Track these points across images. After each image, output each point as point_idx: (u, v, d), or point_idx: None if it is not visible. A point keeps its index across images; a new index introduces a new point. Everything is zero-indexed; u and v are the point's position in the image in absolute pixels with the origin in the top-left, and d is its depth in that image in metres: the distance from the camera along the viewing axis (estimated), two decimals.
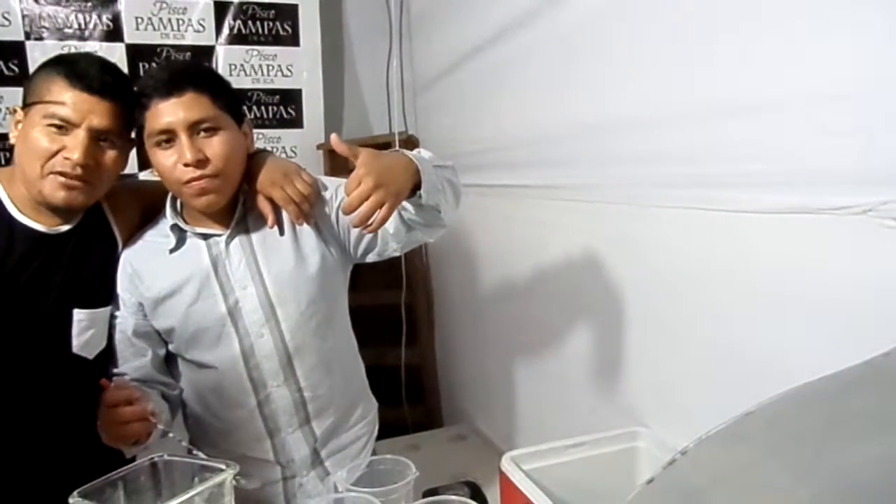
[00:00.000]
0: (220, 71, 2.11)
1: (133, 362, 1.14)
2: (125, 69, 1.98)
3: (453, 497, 0.92)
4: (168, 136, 1.03)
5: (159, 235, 1.15)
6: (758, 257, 0.94)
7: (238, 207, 1.15)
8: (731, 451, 0.39)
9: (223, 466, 0.76)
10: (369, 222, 0.93)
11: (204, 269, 1.13)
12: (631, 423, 1.22)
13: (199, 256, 1.13)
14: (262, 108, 2.20)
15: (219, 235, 1.14)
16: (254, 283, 1.14)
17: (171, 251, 1.12)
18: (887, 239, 0.73)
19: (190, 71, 1.12)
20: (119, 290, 1.14)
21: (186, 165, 1.03)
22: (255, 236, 1.15)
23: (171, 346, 1.18)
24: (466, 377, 2.23)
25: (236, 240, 1.14)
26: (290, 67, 2.21)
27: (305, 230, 1.17)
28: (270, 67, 2.18)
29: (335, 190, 1.16)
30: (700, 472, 0.39)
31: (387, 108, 2.34)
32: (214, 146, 1.05)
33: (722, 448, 0.39)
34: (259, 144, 2.11)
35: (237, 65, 2.15)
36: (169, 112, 1.02)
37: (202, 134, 1.04)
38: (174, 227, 1.12)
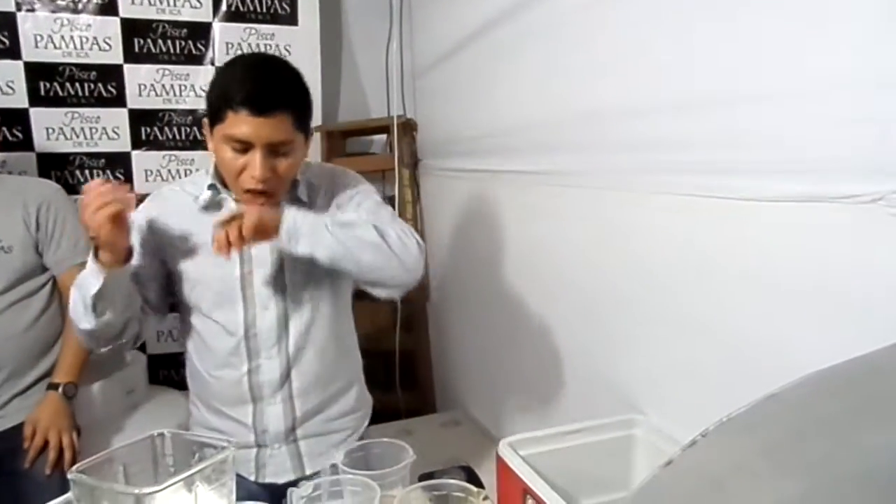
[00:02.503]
0: (217, 49, 2.09)
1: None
2: (119, 44, 1.99)
3: (451, 480, 0.92)
4: (244, 147, 1.06)
5: (186, 192, 1.18)
6: (762, 245, 0.93)
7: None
8: (753, 434, 0.38)
9: (224, 444, 0.75)
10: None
11: None
12: (627, 410, 1.22)
13: None
14: None
15: None
16: (272, 257, 1.16)
17: (204, 209, 1.15)
18: None
19: (285, 91, 1.08)
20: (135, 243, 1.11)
21: (253, 177, 1.06)
22: None
23: (184, 291, 1.18)
24: (460, 363, 2.23)
25: None
26: (287, 47, 2.18)
27: None
28: (268, 47, 2.15)
29: (365, 192, 1.24)
30: (720, 455, 0.39)
31: (385, 90, 2.32)
32: (284, 166, 1.09)
33: (744, 431, 0.38)
34: None
35: (234, 43, 2.11)
36: (253, 128, 1.03)
37: (275, 153, 1.07)
38: (213, 187, 1.15)
